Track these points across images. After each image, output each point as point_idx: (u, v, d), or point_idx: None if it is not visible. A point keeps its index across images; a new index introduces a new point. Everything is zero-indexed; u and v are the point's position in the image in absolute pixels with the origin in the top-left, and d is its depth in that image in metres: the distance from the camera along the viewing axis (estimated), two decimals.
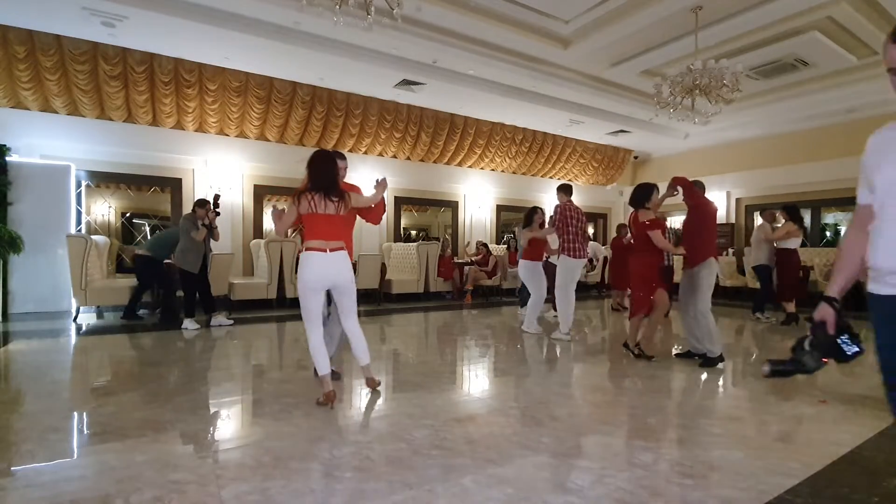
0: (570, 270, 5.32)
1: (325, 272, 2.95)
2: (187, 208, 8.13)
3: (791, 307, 6.63)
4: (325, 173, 3.00)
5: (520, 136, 10.65)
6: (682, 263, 4.51)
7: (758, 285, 7.19)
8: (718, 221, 11.05)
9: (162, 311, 6.36)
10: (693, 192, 4.19)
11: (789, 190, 10.15)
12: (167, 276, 6.27)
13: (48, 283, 6.70)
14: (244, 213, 8.55)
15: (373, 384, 3.30)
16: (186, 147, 8.04)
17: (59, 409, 2.98)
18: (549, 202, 12.27)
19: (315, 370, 3.37)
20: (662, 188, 4.36)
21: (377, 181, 3.29)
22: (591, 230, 13.87)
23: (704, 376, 3.99)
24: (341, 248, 3.03)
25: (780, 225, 6.84)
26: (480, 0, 5.99)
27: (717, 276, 4.65)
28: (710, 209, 4.29)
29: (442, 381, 3.76)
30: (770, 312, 7.09)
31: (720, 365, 4.11)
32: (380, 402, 3.17)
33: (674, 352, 4.73)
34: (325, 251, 2.94)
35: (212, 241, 6.06)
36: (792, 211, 6.70)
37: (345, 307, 3.15)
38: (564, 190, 5.52)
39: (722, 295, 9.93)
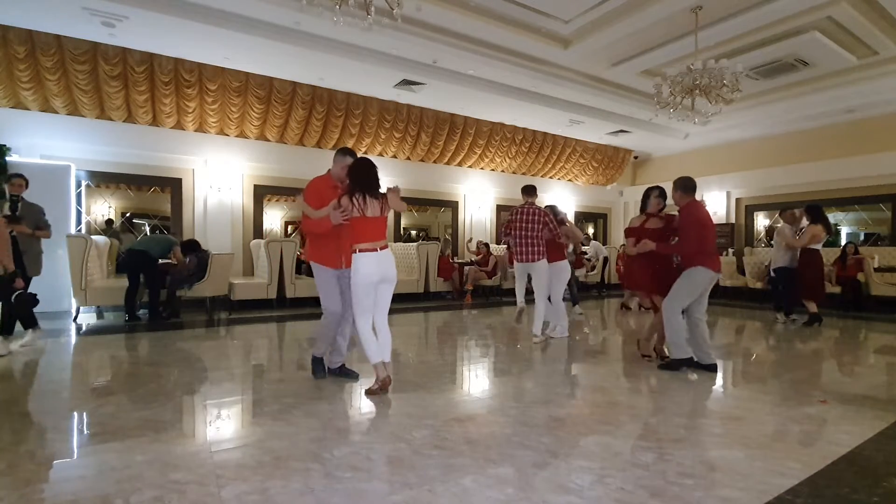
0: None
1: (379, 269, 3.21)
2: (187, 208, 8.14)
3: (814, 307, 6.52)
4: (371, 179, 3.25)
5: (520, 136, 10.66)
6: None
7: (759, 285, 7.17)
8: (718, 221, 11.26)
9: (150, 311, 6.33)
10: (678, 196, 4.01)
11: (789, 190, 10.16)
12: (159, 275, 6.29)
13: (48, 283, 6.68)
14: (244, 213, 8.55)
15: (387, 384, 3.27)
16: (186, 147, 8.04)
17: (59, 409, 2.98)
18: (549, 202, 12.26)
19: (315, 369, 3.64)
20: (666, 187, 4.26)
21: (388, 189, 3.36)
22: (591, 230, 13.88)
23: (701, 377, 3.99)
24: (387, 247, 3.29)
25: (803, 226, 6.62)
26: (480, 0, 5.99)
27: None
28: (697, 213, 3.92)
29: (442, 381, 3.76)
30: (795, 314, 6.92)
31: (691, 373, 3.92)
32: (380, 402, 3.17)
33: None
34: (377, 250, 3.20)
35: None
36: (815, 212, 6.45)
37: (384, 302, 3.34)
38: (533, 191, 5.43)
39: (722, 295, 9.95)
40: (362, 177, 3.23)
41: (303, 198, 3.47)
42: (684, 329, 3.97)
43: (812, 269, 6.51)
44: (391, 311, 3.46)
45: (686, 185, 4.00)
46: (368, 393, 3.22)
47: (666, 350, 4.32)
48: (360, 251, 3.18)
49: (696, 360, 4.01)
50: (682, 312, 3.98)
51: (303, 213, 3.51)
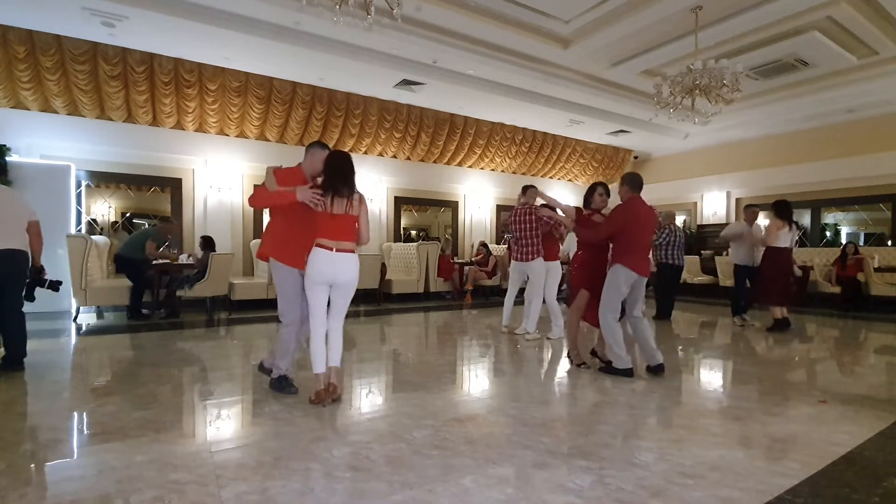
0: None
1: (329, 270, 3.01)
2: (188, 208, 8.14)
3: (778, 313, 6.05)
4: (343, 175, 3.05)
5: (520, 136, 10.65)
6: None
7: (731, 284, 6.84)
8: (717, 221, 11.24)
9: (131, 310, 6.40)
10: (623, 191, 3.93)
11: (789, 190, 10.14)
12: (143, 276, 6.37)
13: None
14: (244, 214, 8.55)
15: (334, 390, 3.05)
16: (186, 147, 8.05)
17: (59, 409, 2.98)
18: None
19: (278, 386, 3.29)
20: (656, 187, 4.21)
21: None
22: None
23: (704, 377, 4.00)
24: (350, 251, 3.07)
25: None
26: (480, 0, 5.99)
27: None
28: (630, 208, 3.83)
29: (442, 381, 3.76)
30: (749, 315, 6.74)
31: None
32: (380, 402, 3.17)
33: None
34: (332, 250, 3.00)
35: None
36: (780, 206, 6.05)
37: (337, 306, 3.15)
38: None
39: (722, 295, 9.94)
40: (335, 172, 3.03)
41: (272, 170, 3.21)
42: (622, 338, 3.84)
43: (776, 269, 6.02)
44: (391, 311, 3.46)
45: (633, 182, 3.93)
46: (309, 401, 3.02)
47: (608, 353, 4.12)
48: (316, 246, 3.03)
49: (647, 363, 3.94)
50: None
51: (255, 190, 3.19)
